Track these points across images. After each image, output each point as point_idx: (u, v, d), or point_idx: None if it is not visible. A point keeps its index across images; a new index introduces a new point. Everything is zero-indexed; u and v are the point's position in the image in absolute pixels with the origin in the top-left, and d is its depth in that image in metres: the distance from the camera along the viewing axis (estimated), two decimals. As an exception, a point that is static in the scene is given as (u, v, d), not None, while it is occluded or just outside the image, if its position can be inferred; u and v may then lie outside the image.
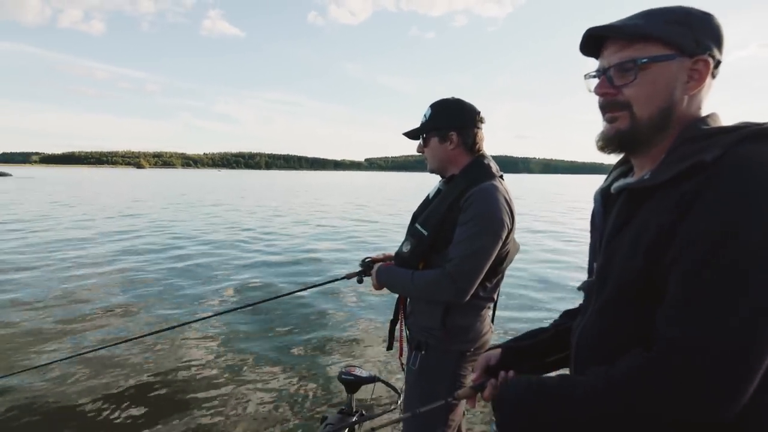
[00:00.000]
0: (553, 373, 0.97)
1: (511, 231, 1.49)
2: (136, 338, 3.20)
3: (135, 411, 2.87)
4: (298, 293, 2.17)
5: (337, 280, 1.95)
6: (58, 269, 6.70)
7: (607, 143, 0.81)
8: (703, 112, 0.76)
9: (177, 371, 3.38)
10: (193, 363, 3.52)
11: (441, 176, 1.66)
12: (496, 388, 0.92)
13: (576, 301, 1.01)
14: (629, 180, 0.82)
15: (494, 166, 1.56)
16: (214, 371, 3.44)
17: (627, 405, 0.65)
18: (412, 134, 1.65)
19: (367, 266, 1.76)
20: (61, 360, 2.95)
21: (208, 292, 5.38)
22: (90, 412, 2.81)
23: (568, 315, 1.06)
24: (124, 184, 40.31)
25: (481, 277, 1.42)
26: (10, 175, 65.72)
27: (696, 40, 0.71)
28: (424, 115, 1.60)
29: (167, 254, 8.03)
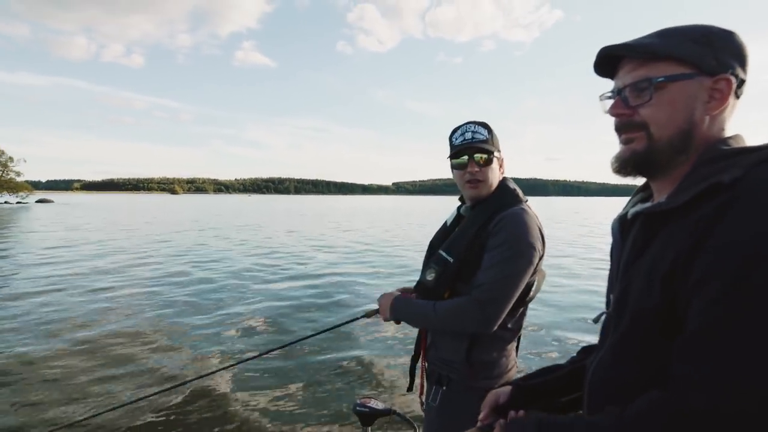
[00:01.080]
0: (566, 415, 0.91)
1: (541, 258, 1.42)
2: (165, 390, 3.19)
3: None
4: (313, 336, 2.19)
5: (356, 319, 1.88)
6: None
7: (622, 165, 0.78)
8: (727, 133, 0.72)
9: (207, 410, 3.40)
10: (216, 400, 3.55)
11: (474, 202, 1.54)
12: (503, 428, 0.87)
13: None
14: (646, 205, 0.77)
15: (520, 191, 1.50)
16: (238, 410, 3.42)
17: None
18: (482, 150, 1.45)
19: None
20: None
21: (230, 336, 5.40)
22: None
23: (585, 351, 1.00)
24: (163, 210, 41.94)
25: (511, 305, 1.34)
26: (53, 201, 69.81)
27: (716, 59, 0.69)
28: (478, 132, 1.47)
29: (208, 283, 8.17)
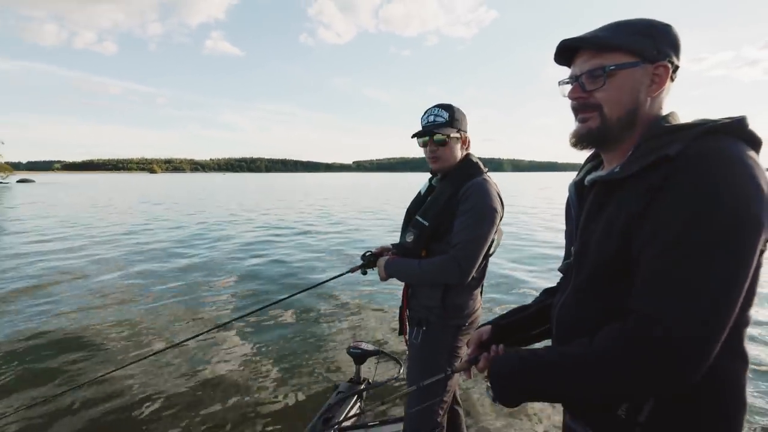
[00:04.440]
0: (538, 345, 0.95)
1: (501, 219, 1.48)
2: (168, 348, 3.06)
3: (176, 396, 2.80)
4: (309, 289, 2.10)
5: (343, 274, 1.90)
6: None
7: (579, 140, 0.79)
8: (665, 111, 0.75)
9: (220, 363, 3.32)
10: (226, 353, 3.50)
11: (441, 174, 1.58)
12: (489, 360, 0.91)
13: (552, 280, 0.99)
14: (600, 173, 0.79)
15: (481, 164, 1.54)
16: (243, 353, 3.41)
17: (606, 373, 0.64)
18: (435, 132, 1.46)
19: (368, 259, 1.71)
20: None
21: (232, 293, 5.23)
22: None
23: (547, 293, 1.04)
24: (158, 188, 38.84)
25: (480, 260, 1.41)
26: (34, 181, 62.88)
27: (657, 49, 0.71)
28: (438, 116, 1.48)
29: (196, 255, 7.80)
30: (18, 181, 58.01)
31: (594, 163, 0.89)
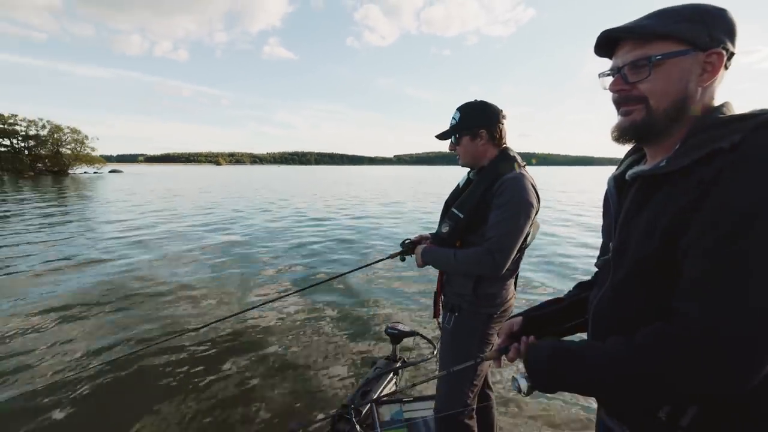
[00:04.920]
0: (569, 337, 0.91)
1: (537, 212, 1.44)
2: (219, 320, 3.33)
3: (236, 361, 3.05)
4: (350, 272, 2.20)
5: (382, 260, 1.96)
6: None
7: (622, 134, 0.73)
8: (717, 102, 0.67)
9: (269, 336, 3.56)
10: (275, 328, 3.71)
11: (472, 169, 1.59)
12: (518, 350, 0.89)
13: (579, 276, 0.96)
14: (643, 167, 0.72)
15: (518, 158, 1.50)
16: (292, 331, 3.58)
17: (646, 372, 0.58)
18: (444, 135, 1.57)
19: (407, 247, 1.74)
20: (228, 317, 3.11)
21: (275, 275, 5.51)
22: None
23: (580, 287, 0.99)
24: (226, 179, 41.64)
25: (515, 253, 1.39)
26: (122, 171, 70.19)
27: (710, 35, 0.63)
28: (453, 118, 1.52)
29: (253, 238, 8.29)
30: (110, 172, 65.29)
31: (636, 156, 0.82)
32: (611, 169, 0.89)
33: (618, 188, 0.81)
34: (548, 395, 2.38)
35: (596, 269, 0.88)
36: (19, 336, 3.35)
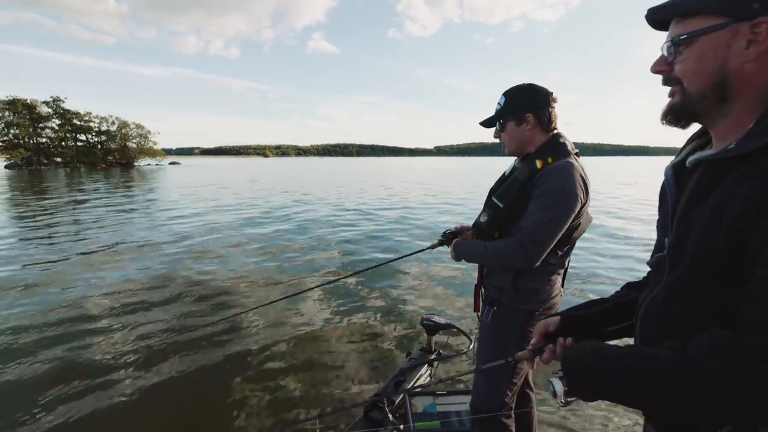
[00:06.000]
0: (613, 342, 0.82)
1: (584, 205, 1.31)
2: (258, 307, 3.34)
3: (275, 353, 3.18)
4: (392, 262, 2.20)
5: (423, 250, 1.91)
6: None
7: (663, 116, 0.68)
8: None
9: (310, 321, 3.68)
10: (315, 313, 3.81)
11: (518, 157, 1.48)
12: (553, 352, 0.82)
13: (633, 274, 0.85)
14: (708, 152, 0.65)
15: (570, 144, 1.37)
16: (331, 317, 3.67)
17: (704, 386, 0.50)
18: (488, 122, 1.47)
19: (447, 238, 1.68)
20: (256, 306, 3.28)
21: (315, 263, 5.64)
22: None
23: (629, 288, 0.90)
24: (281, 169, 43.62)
25: (551, 246, 1.28)
26: (180, 163, 75.70)
27: (760, 0, 0.54)
28: (498, 103, 1.42)
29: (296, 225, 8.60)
30: (169, 164, 70.85)
31: (699, 141, 0.73)
32: (668, 159, 0.78)
33: (677, 177, 0.72)
34: (589, 404, 2.21)
35: (648, 269, 0.77)
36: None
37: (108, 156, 59.57)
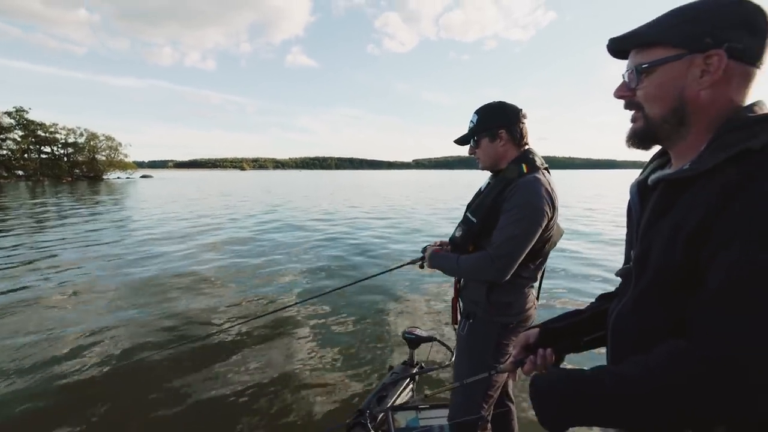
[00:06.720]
0: (587, 352, 0.86)
1: (552, 219, 1.36)
2: (240, 323, 3.37)
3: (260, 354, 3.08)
4: (371, 278, 2.18)
5: (403, 265, 1.91)
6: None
7: (627, 139, 0.72)
8: (748, 101, 0.61)
9: (288, 339, 3.58)
10: (290, 329, 3.75)
11: (492, 172, 1.53)
12: (534, 363, 0.85)
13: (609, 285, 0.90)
14: (667, 171, 0.69)
15: (539, 160, 1.42)
16: (311, 334, 3.60)
17: (660, 395, 0.53)
18: (463, 140, 1.52)
19: (425, 251, 1.68)
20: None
21: (295, 280, 5.57)
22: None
23: (603, 298, 0.94)
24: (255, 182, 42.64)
25: (520, 259, 1.31)
26: (152, 177, 73.06)
27: (711, 34, 0.58)
28: (471, 121, 1.46)
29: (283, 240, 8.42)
30: (141, 177, 68.18)
31: (661, 161, 0.77)
32: (635, 173, 0.84)
33: (641, 194, 0.76)
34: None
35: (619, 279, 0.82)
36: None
37: (75, 169, 56.81)
